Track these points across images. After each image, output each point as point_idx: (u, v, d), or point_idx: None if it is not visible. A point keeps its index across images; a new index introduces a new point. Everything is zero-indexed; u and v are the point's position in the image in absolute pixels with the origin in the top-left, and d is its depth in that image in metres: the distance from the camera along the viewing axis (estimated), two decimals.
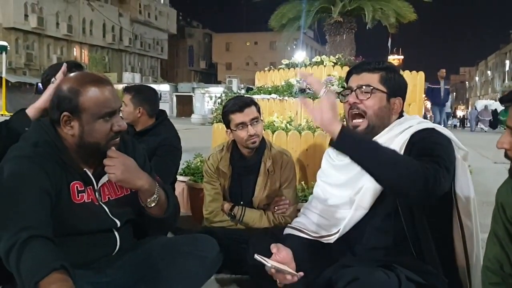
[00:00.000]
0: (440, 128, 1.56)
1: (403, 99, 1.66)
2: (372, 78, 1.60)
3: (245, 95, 2.47)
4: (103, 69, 38.89)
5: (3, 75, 25.45)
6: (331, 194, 1.67)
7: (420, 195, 1.32)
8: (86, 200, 1.49)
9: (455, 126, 20.17)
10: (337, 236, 1.57)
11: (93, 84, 1.44)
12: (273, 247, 1.52)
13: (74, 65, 2.21)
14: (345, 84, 1.73)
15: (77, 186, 1.48)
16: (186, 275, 1.55)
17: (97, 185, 1.53)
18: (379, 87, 1.58)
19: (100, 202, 1.53)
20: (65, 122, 1.44)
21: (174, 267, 1.55)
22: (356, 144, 1.35)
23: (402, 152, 1.48)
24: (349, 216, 1.54)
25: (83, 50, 42.13)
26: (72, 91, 1.42)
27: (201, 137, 10.87)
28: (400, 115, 1.65)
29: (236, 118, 2.24)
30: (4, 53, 25.60)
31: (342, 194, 1.61)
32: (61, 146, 1.46)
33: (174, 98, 39.14)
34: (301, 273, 1.44)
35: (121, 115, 2.72)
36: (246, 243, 1.90)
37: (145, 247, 1.63)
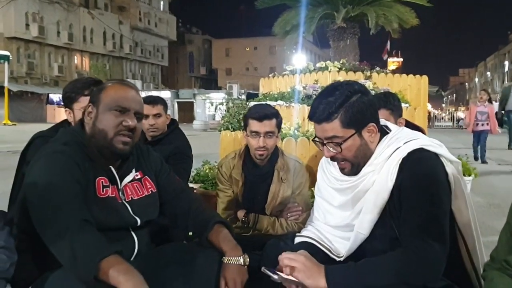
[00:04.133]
0: (428, 144, 1.48)
1: (376, 120, 1.53)
2: (334, 127, 1.47)
3: (269, 105, 2.46)
4: (104, 77, 39.04)
5: (5, 84, 25.52)
6: (331, 214, 1.66)
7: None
8: (110, 195, 1.57)
9: (460, 127, 20.18)
10: (343, 258, 1.59)
11: (116, 83, 1.66)
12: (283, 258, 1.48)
13: (94, 82, 2.24)
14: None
15: (102, 181, 1.56)
16: (206, 282, 1.58)
17: (120, 184, 1.61)
18: (345, 133, 1.47)
19: (123, 201, 1.60)
20: (88, 113, 1.61)
21: (194, 273, 1.57)
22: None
23: (393, 182, 1.45)
24: (351, 240, 1.55)
25: (83, 58, 42.30)
26: (100, 88, 1.65)
27: (205, 143, 10.89)
28: (383, 132, 1.56)
29: (253, 125, 2.26)
30: (6, 63, 25.70)
31: (342, 215, 1.61)
32: (88, 145, 1.58)
33: (175, 105, 39.25)
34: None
35: (157, 126, 2.80)
36: (260, 250, 1.91)
37: (164, 254, 1.65)
